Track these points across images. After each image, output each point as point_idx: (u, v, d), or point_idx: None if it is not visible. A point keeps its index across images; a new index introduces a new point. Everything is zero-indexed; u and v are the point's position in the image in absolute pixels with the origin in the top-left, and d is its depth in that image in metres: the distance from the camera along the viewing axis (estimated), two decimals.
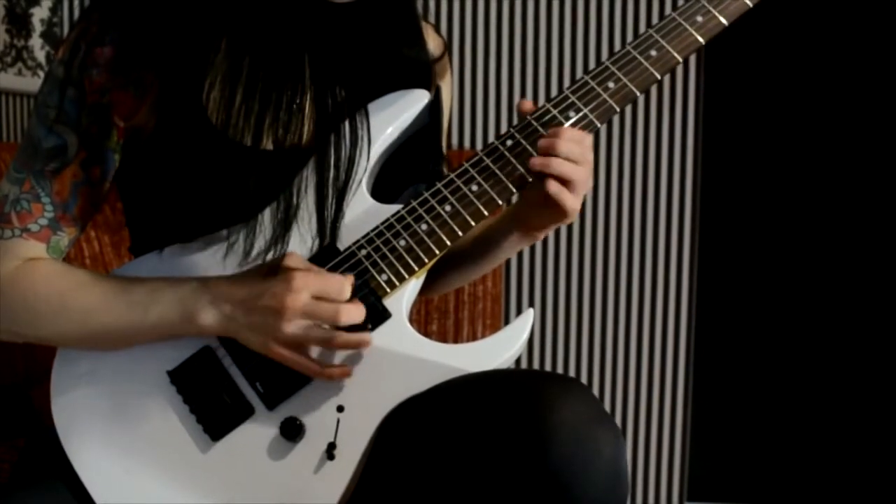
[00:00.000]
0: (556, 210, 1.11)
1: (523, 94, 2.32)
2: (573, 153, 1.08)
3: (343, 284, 1.04)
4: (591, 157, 1.11)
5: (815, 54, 2.40)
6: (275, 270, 1.06)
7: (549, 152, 1.09)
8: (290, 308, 1.02)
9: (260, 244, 1.09)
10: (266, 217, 1.10)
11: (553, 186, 1.09)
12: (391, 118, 1.16)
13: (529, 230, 1.20)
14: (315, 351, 1.06)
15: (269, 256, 1.09)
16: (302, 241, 1.11)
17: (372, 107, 1.17)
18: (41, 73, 2.33)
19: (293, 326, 1.03)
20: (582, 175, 1.09)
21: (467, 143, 2.35)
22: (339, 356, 1.08)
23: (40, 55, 2.33)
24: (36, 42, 2.31)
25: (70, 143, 1.11)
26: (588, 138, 1.11)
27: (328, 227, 1.10)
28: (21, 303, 1.10)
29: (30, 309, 1.10)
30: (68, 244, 1.15)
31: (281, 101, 1.11)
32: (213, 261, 1.11)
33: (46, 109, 1.12)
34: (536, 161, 1.08)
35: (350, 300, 1.05)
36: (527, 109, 1.13)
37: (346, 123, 1.13)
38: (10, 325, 1.12)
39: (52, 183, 1.11)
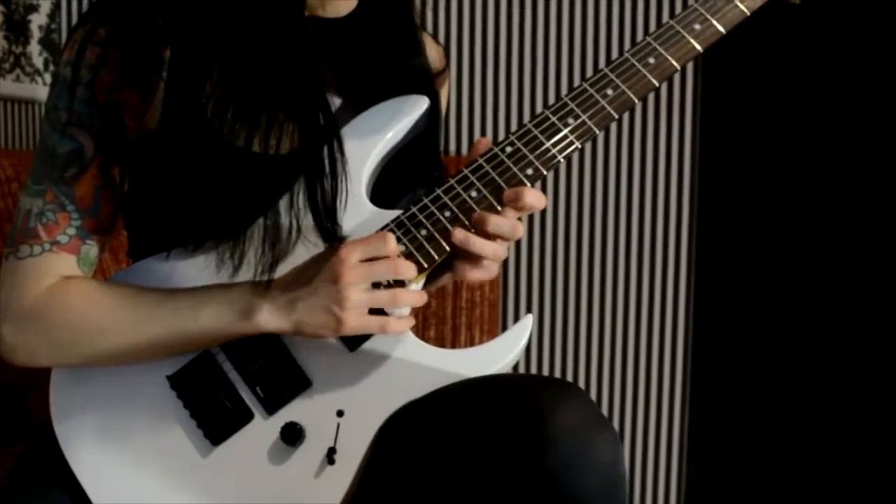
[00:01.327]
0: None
1: (521, 101, 2.32)
2: (502, 229, 1.08)
3: (384, 238, 1.06)
4: (520, 232, 1.10)
5: (812, 62, 2.41)
6: (315, 256, 1.07)
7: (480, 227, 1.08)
8: (345, 273, 1.03)
9: (249, 259, 1.09)
10: (255, 234, 1.09)
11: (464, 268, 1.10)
12: (390, 124, 1.17)
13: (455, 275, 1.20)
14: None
15: (261, 278, 1.08)
16: (313, 247, 1.11)
17: (371, 112, 1.17)
18: (39, 80, 2.33)
19: (354, 293, 1.03)
20: (500, 252, 1.09)
21: (466, 150, 2.36)
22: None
23: (38, 61, 2.33)
24: (34, 48, 2.31)
25: (86, 145, 1.10)
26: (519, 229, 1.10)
27: (330, 238, 1.10)
28: (61, 323, 1.09)
29: (71, 329, 1.09)
30: (97, 255, 1.13)
31: (272, 120, 1.10)
32: (209, 272, 1.10)
33: (57, 113, 1.11)
34: (458, 235, 1.08)
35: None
36: (480, 150, 1.12)
37: (326, 148, 1.12)
38: (50, 347, 1.10)
39: (74, 189, 1.10)
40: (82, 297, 1.09)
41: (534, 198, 1.09)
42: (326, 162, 1.11)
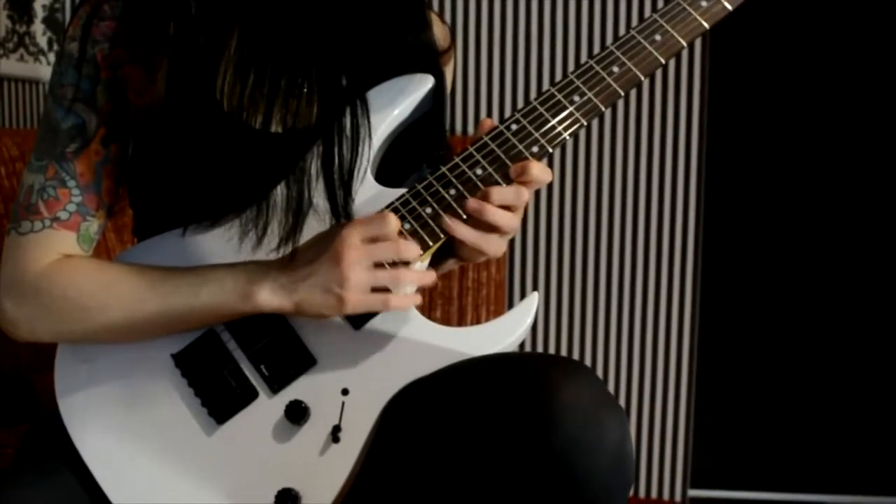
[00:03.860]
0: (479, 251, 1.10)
1: (528, 79, 2.32)
2: (507, 199, 1.07)
3: (385, 218, 1.05)
4: (527, 197, 1.09)
5: (821, 39, 2.40)
6: (316, 237, 1.07)
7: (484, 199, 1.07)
8: (346, 253, 1.03)
9: (273, 228, 1.09)
10: (278, 203, 1.10)
11: (471, 235, 1.08)
12: (396, 102, 1.16)
13: (460, 260, 1.22)
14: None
15: (285, 248, 1.08)
16: (321, 222, 1.11)
17: (376, 91, 1.16)
18: (43, 59, 2.32)
19: (355, 271, 1.03)
20: (513, 223, 1.08)
21: (472, 129, 2.35)
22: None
23: (42, 41, 2.32)
24: (38, 28, 2.31)
25: (88, 120, 1.11)
26: (524, 195, 1.09)
27: (340, 211, 1.10)
28: (61, 299, 1.09)
29: (72, 304, 1.09)
30: (97, 231, 1.14)
31: (292, 87, 1.11)
32: (230, 246, 1.11)
33: (62, 90, 1.12)
34: (472, 205, 1.07)
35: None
36: (485, 129, 1.11)
37: (349, 112, 1.13)
38: (52, 322, 1.10)
39: (76, 165, 1.11)
40: (82, 273, 1.10)
41: (539, 170, 1.08)
42: (348, 124, 1.11)
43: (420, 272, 1.07)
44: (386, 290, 1.05)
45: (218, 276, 1.07)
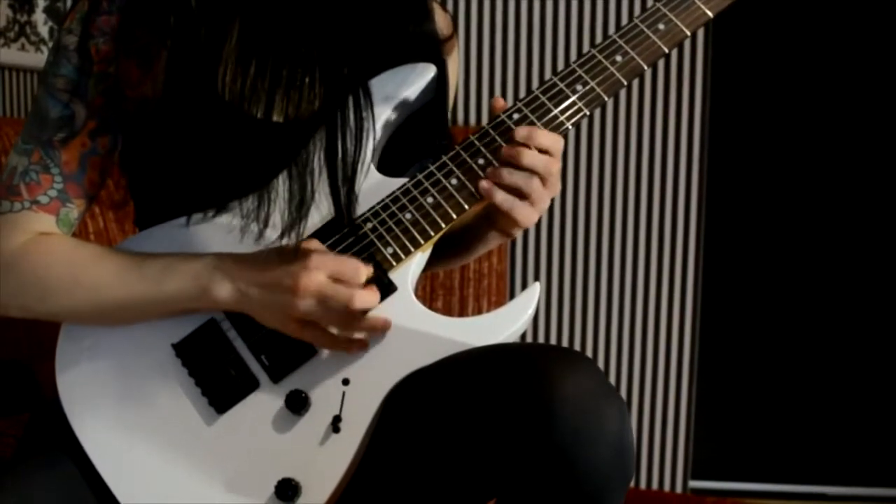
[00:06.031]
0: (510, 219, 1.09)
1: (530, 69, 2.31)
2: (536, 164, 1.07)
3: (358, 268, 1.03)
4: (556, 167, 1.08)
5: (825, 30, 2.39)
6: (293, 252, 1.05)
7: (511, 162, 1.07)
8: (305, 287, 1.01)
9: (275, 219, 1.09)
10: (280, 194, 1.10)
11: (500, 196, 1.07)
12: (398, 92, 1.16)
13: (499, 230, 1.20)
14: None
15: (286, 240, 1.08)
16: (318, 211, 1.11)
17: (379, 80, 1.16)
18: (44, 49, 2.32)
19: (307, 305, 1.02)
20: (538, 189, 1.07)
21: (473, 119, 2.34)
22: None
23: (43, 30, 2.32)
24: (39, 17, 2.31)
25: (77, 112, 1.12)
26: (560, 143, 1.09)
27: (342, 202, 1.10)
28: (31, 277, 1.10)
29: (41, 283, 1.10)
30: (77, 217, 1.15)
31: (293, 78, 1.11)
32: (231, 237, 1.10)
33: (54, 79, 1.12)
34: (490, 171, 1.07)
35: (365, 284, 1.04)
36: (499, 107, 1.11)
37: (351, 100, 1.12)
38: (19, 299, 1.11)
39: (61, 153, 1.12)
40: (53, 254, 1.10)
41: (550, 140, 1.07)
42: (352, 115, 1.10)
43: (371, 322, 1.05)
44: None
45: (181, 271, 1.07)
